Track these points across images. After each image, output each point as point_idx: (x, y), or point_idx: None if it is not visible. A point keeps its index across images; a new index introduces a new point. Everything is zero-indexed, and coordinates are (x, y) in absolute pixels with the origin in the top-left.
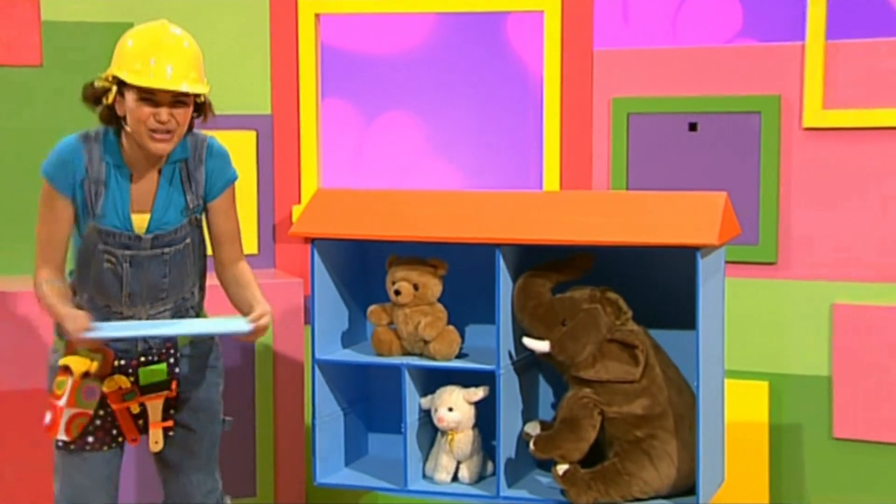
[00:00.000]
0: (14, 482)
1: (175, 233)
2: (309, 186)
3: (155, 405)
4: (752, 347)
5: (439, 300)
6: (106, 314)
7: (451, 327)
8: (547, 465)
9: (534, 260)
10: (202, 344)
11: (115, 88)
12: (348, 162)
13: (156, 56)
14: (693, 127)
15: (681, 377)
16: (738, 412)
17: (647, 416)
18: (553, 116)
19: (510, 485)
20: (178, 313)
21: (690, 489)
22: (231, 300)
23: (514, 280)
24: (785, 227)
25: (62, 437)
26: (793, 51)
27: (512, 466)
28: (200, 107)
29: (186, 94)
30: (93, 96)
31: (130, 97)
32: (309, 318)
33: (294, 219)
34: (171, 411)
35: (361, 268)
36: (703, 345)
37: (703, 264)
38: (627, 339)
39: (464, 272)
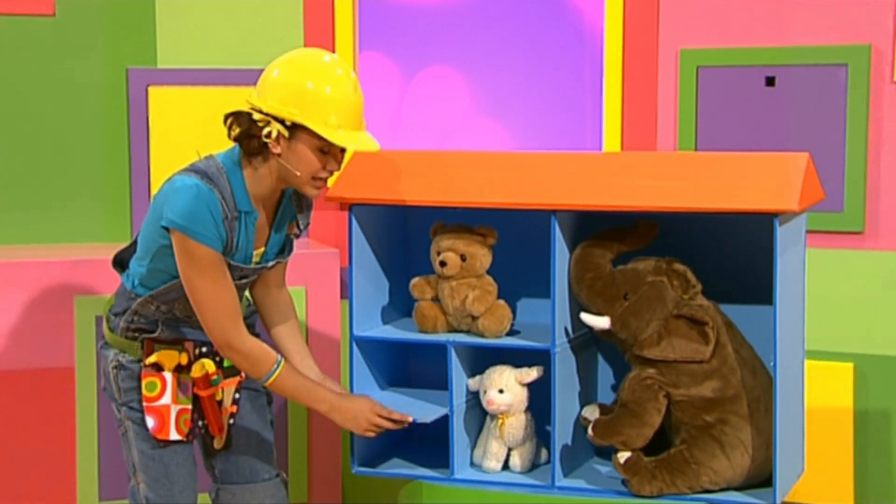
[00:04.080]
0: (33, 464)
1: (282, 255)
2: None
3: (228, 390)
4: (835, 325)
5: (489, 272)
6: (174, 321)
7: (501, 301)
8: (606, 453)
9: (593, 228)
10: (251, 314)
11: (284, 131)
12: (387, 121)
13: (353, 112)
14: (770, 81)
15: (756, 357)
16: (820, 396)
17: (718, 400)
18: (614, 70)
19: (566, 474)
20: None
21: (766, 480)
22: (280, 348)
23: (571, 250)
24: (873, 193)
25: (175, 436)
26: None
27: (568, 454)
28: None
29: None
30: (246, 133)
31: (306, 146)
32: (346, 291)
33: (329, 183)
34: (237, 395)
35: (403, 237)
36: (780, 322)
37: (782, 233)
38: (696, 314)
39: (516, 241)
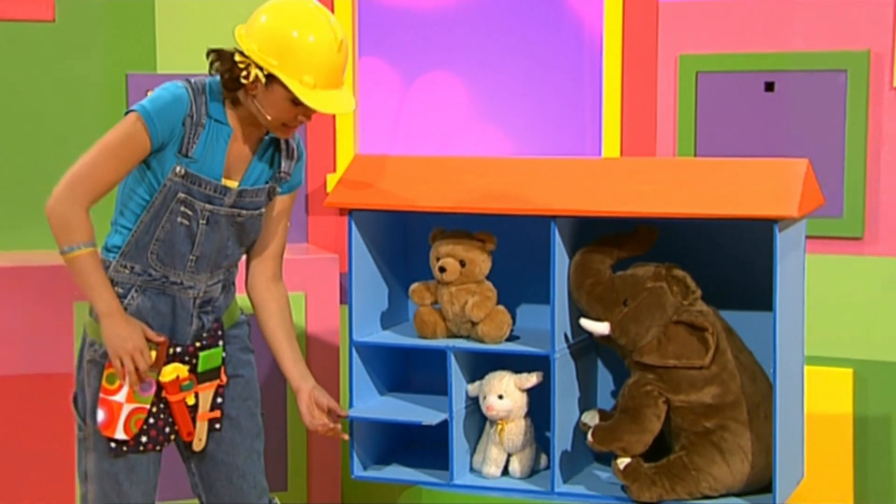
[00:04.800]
0: (33, 470)
1: (257, 195)
2: (345, 153)
3: (206, 395)
4: (835, 331)
5: (488, 278)
6: (160, 287)
7: (501, 307)
8: (606, 459)
9: (592, 234)
10: (242, 323)
11: (262, 77)
12: (387, 126)
13: (332, 71)
14: (770, 87)
15: (755, 363)
16: (820, 402)
17: (718, 406)
18: (613, 76)
19: (566, 480)
20: (225, 287)
21: (766, 487)
22: (272, 341)
23: (571, 256)
24: (873, 198)
25: (120, 435)
26: (883, 0)
27: (568, 460)
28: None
29: None
30: (229, 73)
31: (280, 95)
32: (345, 297)
33: (329, 188)
34: (219, 400)
35: (403, 242)
36: (780, 328)
37: (782, 238)
38: (696, 320)
39: (515, 247)
